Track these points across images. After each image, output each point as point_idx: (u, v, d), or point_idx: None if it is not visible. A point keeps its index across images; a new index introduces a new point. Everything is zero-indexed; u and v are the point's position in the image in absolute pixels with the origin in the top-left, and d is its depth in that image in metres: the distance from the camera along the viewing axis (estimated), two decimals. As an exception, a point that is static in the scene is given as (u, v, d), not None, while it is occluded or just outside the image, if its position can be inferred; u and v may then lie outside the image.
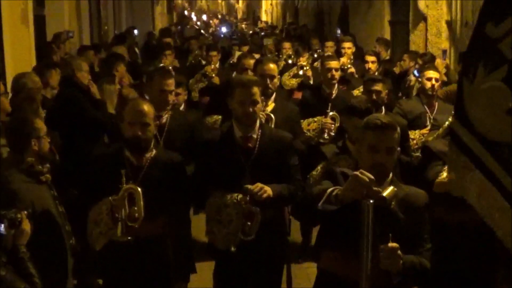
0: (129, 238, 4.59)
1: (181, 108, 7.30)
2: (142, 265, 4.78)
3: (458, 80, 2.98)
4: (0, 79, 7.14)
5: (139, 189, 4.60)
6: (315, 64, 10.80)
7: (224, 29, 32.26)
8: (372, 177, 3.50)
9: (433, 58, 10.74)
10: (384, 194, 3.53)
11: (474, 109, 2.85)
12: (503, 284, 5.24)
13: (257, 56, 10.91)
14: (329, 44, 12.20)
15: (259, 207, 4.76)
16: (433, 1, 12.52)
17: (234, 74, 8.18)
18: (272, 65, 6.39)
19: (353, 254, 3.68)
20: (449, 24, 12.07)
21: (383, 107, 6.82)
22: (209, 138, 5.28)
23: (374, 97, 6.69)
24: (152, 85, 6.09)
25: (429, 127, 6.88)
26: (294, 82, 10.17)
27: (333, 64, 7.73)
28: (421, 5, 12.78)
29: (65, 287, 5.03)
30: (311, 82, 9.73)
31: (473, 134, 2.87)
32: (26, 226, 4.08)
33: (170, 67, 10.62)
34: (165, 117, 6.02)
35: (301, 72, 9.97)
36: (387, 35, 14.64)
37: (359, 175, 3.51)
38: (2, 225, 3.96)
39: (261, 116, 5.41)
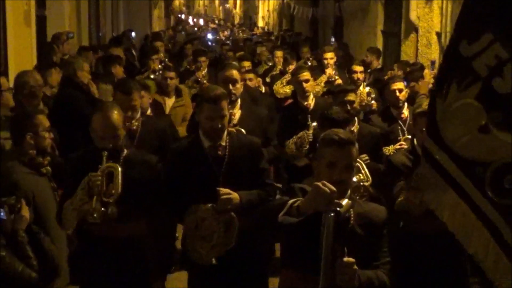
0: (102, 209, 4.47)
1: (148, 112, 7.21)
2: (120, 264, 4.70)
3: (430, 99, 2.99)
4: (3, 76, 7.33)
5: (119, 167, 4.57)
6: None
7: (210, 36, 31.84)
8: (334, 188, 3.38)
9: (422, 68, 10.96)
10: (339, 207, 3.40)
11: (447, 127, 2.84)
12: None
13: (247, 64, 10.82)
14: (329, 55, 11.21)
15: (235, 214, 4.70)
16: (424, 13, 12.73)
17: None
18: (234, 71, 6.23)
19: (313, 274, 3.49)
20: (439, 35, 12.30)
21: (355, 118, 6.53)
22: (175, 147, 5.24)
23: (348, 107, 6.48)
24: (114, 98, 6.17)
25: (402, 140, 6.69)
26: (288, 90, 10.02)
27: (304, 75, 7.39)
28: (413, 16, 12.98)
29: (59, 275, 5.19)
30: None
31: (446, 152, 2.86)
32: (25, 212, 4.34)
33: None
34: (136, 124, 6.00)
35: None
36: (380, 45, 14.81)
37: (321, 186, 3.39)
38: (3, 211, 4.23)
39: (230, 130, 5.34)
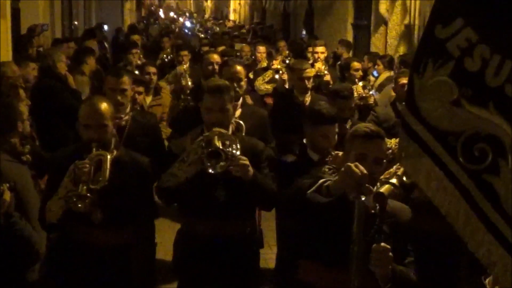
0: (88, 194, 4.23)
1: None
2: (102, 274, 4.50)
3: (409, 76, 3.20)
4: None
5: (109, 155, 4.38)
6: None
7: (188, 24, 31.55)
8: (365, 171, 3.31)
9: (392, 60, 11.24)
10: (382, 190, 3.38)
11: (423, 101, 3.06)
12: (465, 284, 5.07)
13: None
14: (319, 49, 11.11)
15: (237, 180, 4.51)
16: (393, 6, 12.99)
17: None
18: (239, 67, 6.07)
19: (338, 265, 3.56)
20: (408, 27, 12.57)
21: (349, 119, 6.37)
22: (178, 142, 5.03)
23: (347, 113, 6.33)
24: (104, 85, 5.86)
25: None
26: (269, 87, 9.73)
27: (308, 72, 7.21)
28: (382, 9, 13.24)
29: (40, 260, 5.29)
30: (287, 86, 9.12)
31: (422, 124, 3.07)
32: (7, 197, 4.40)
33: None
34: (125, 119, 5.67)
35: (277, 76, 9.47)
36: (350, 38, 15.04)
37: (352, 167, 3.31)
38: None
39: (236, 132, 5.08)
